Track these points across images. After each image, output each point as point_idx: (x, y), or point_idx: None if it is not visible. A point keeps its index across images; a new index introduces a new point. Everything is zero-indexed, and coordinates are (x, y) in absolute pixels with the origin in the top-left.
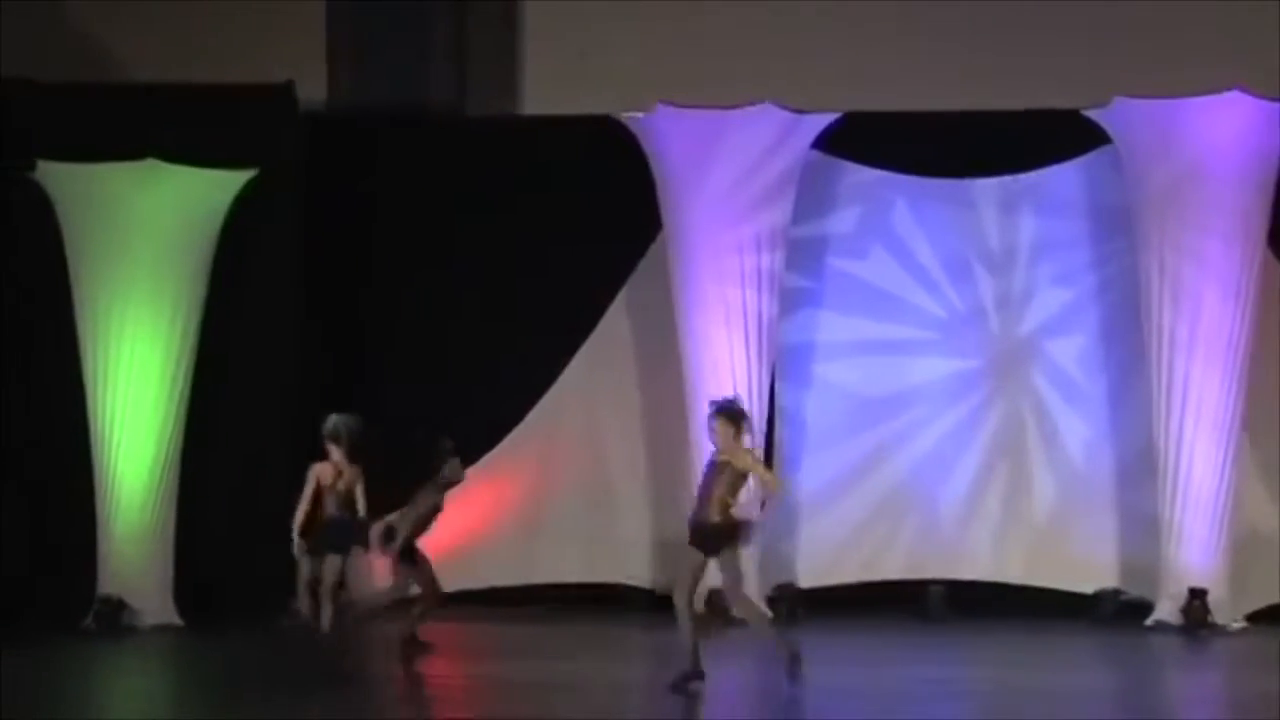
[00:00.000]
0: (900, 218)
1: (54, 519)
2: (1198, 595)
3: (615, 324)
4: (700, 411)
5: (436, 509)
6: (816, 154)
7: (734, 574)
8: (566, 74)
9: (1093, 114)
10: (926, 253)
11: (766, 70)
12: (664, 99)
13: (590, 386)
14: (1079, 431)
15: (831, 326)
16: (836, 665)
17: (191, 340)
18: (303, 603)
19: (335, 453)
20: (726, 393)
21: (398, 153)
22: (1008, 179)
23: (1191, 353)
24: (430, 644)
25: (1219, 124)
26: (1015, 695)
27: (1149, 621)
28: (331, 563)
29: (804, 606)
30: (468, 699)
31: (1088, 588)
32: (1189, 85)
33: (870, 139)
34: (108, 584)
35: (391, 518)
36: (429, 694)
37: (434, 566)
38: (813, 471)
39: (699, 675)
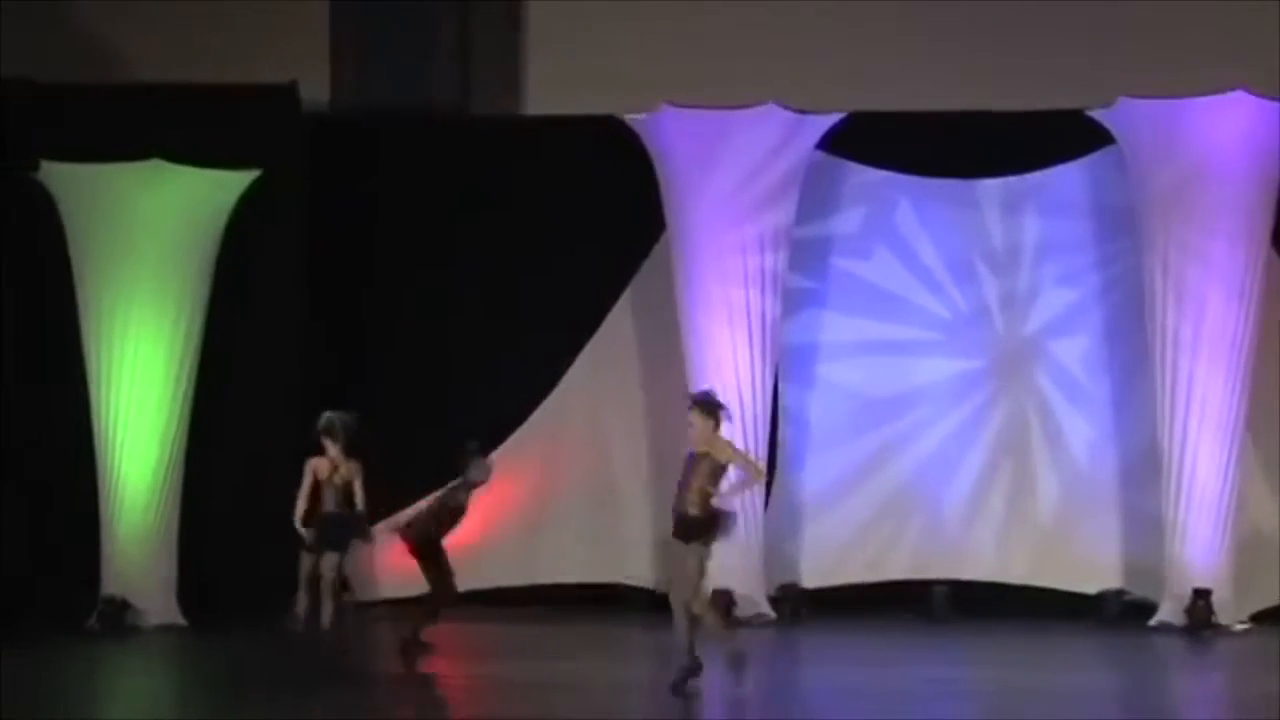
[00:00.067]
0: (904, 218)
1: (57, 519)
2: (1201, 596)
3: (619, 324)
4: None
5: (461, 509)
6: (820, 154)
7: (694, 575)
8: (570, 74)
9: (1097, 114)
10: (930, 253)
11: (770, 70)
12: (668, 99)
13: (594, 387)
14: (1083, 432)
15: (835, 327)
16: (840, 665)
17: (195, 340)
18: (301, 599)
19: (331, 448)
20: (713, 389)
21: (401, 153)
22: (1012, 179)
23: (1195, 353)
24: (431, 644)
25: (1223, 124)
26: (1019, 695)
27: (1153, 622)
28: (330, 559)
29: (808, 606)
30: (469, 699)
31: (1091, 588)
32: (1193, 85)
33: (874, 139)
34: (111, 584)
35: (409, 511)
36: (429, 694)
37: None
38: (816, 472)
39: (697, 669)
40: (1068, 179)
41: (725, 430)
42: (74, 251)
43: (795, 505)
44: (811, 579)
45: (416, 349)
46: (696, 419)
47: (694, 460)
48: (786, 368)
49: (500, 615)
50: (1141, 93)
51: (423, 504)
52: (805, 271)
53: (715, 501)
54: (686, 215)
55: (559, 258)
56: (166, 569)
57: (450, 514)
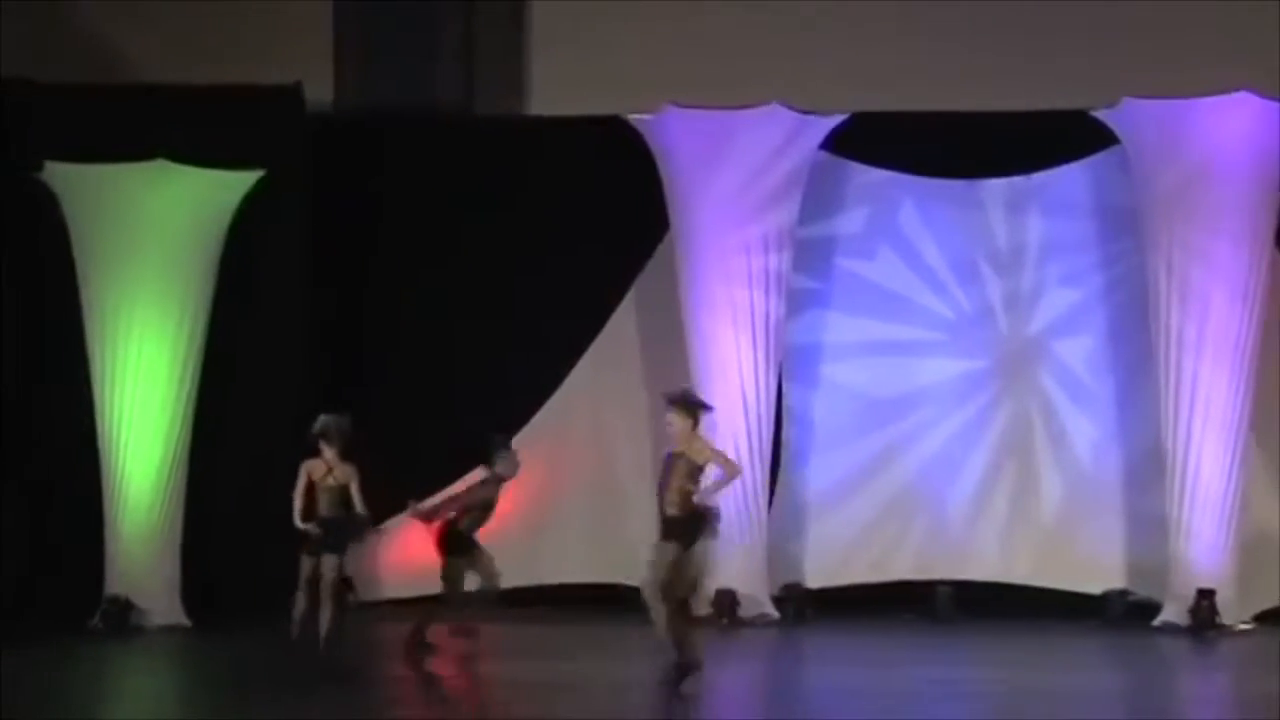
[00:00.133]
0: (908, 218)
1: (61, 519)
2: (1205, 596)
3: (623, 324)
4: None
5: (491, 503)
6: (824, 154)
7: (663, 571)
8: (574, 74)
9: (1101, 115)
10: (934, 253)
11: (774, 70)
12: (671, 99)
13: (597, 387)
14: (1087, 432)
15: (839, 327)
16: (844, 665)
17: (199, 340)
18: (300, 601)
19: (327, 451)
20: (691, 388)
21: (405, 153)
22: (1016, 179)
23: (1199, 353)
24: (435, 645)
25: (1227, 125)
26: (1023, 695)
27: (1156, 622)
28: (329, 561)
29: (812, 606)
30: (471, 699)
31: (1095, 588)
32: (1197, 86)
33: (878, 139)
34: (115, 584)
35: (435, 498)
36: (431, 694)
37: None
38: (820, 472)
39: (695, 667)
40: (1071, 179)
41: (727, 428)
42: (78, 251)
43: (799, 505)
44: (815, 579)
45: (420, 349)
46: (675, 418)
47: (671, 460)
48: (790, 368)
49: (503, 615)
50: (1145, 93)
51: (449, 493)
52: (809, 272)
53: (696, 500)
54: (690, 215)
55: (563, 258)
56: (170, 569)
57: (479, 508)
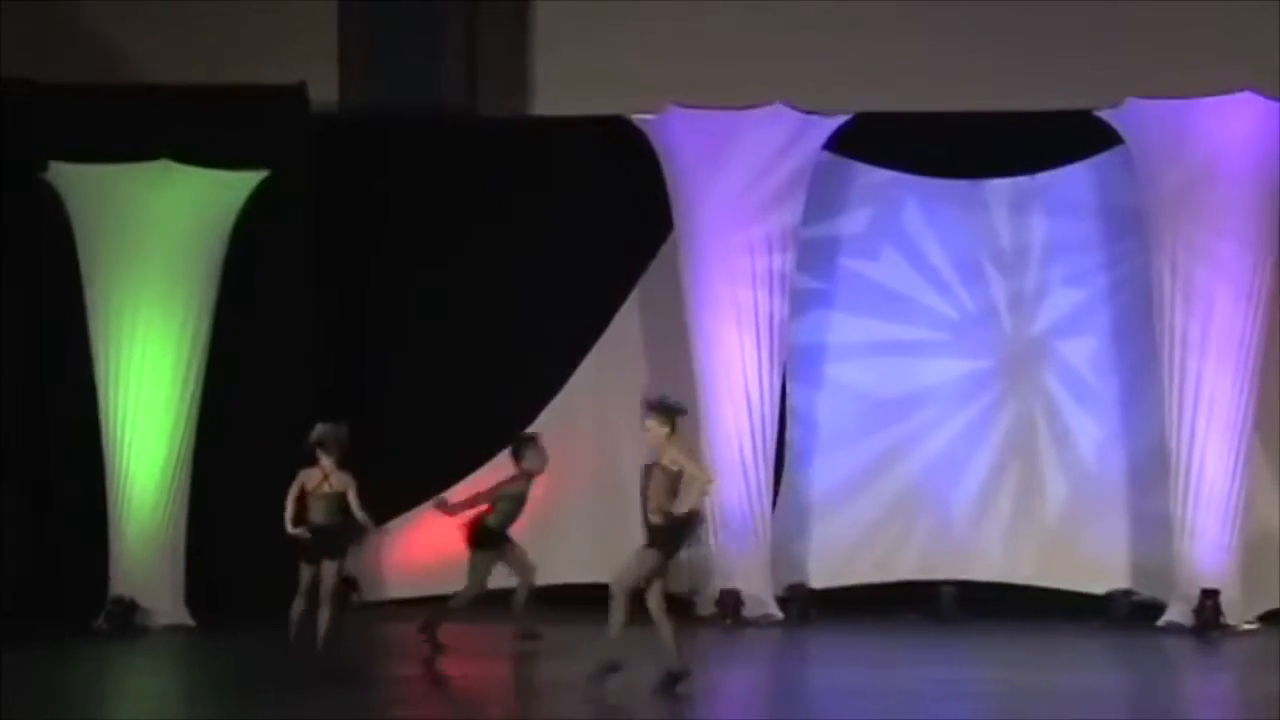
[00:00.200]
0: (911, 218)
1: (65, 519)
2: (1210, 596)
3: (626, 325)
4: (713, 412)
5: (522, 499)
6: (827, 155)
7: (637, 574)
8: (578, 74)
9: (1105, 115)
10: (938, 253)
11: (778, 70)
12: (675, 99)
13: (601, 387)
14: (1091, 432)
15: (843, 327)
16: (848, 665)
17: (203, 341)
18: (298, 606)
19: (324, 460)
20: (669, 393)
21: (409, 153)
22: (1019, 180)
23: (1204, 353)
24: (444, 644)
25: (1231, 125)
26: (1026, 696)
27: (1161, 622)
28: (328, 568)
29: (816, 607)
30: (473, 699)
31: (1099, 588)
32: (1201, 86)
33: (881, 140)
34: (119, 584)
35: (462, 493)
36: (433, 694)
37: (445, 568)
38: (824, 472)
39: (684, 677)
40: (1075, 179)
41: (731, 428)
42: (82, 252)
43: (803, 505)
44: (819, 579)
45: (424, 349)
46: (652, 423)
47: (647, 471)
48: (794, 368)
49: (507, 615)
50: (1150, 93)
51: (477, 488)
52: (813, 272)
53: (676, 508)
54: (694, 215)
55: (566, 258)
56: (174, 569)
57: (510, 502)
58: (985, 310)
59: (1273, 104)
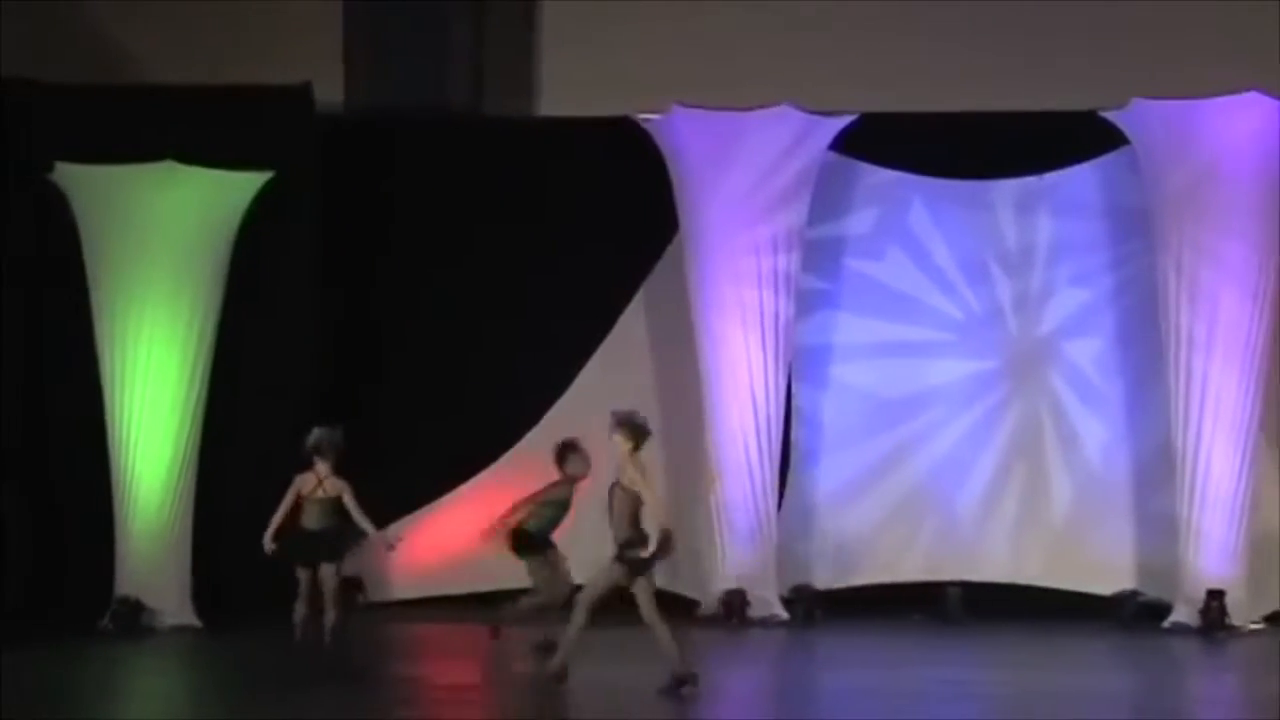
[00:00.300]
0: (917, 219)
1: (71, 520)
2: (1215, 597)
3: (632, 325)
4: (718, 412)
5: (565, 503)
6: (833, 155)
7: (602, 587)
8: (584, 75)
9: (1110, 115)
10: (943, 254)
11: (783, 71)
12: (681, 100)
13: (607, 387)
14: (1096, 433)
15: (848, 328)
16: (854, 666)
17: (209, 341)
18: (300, 609)
19: (320, 465)
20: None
21: (415, 154)
22: (1025, 180)
23: (1209, 353)
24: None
25: (1236, 125)
26: (1032, 697)
27: (1166, 623)
28: (327, 570)
29: (821, 607)
30: (473, 699)
31: (1105, 589)
32: (1206, 86)
33: (887, 140)
34: (125, 585)
35: (513, 512)
36: (434, 694)
37: (449, 569)
38: (830, 473)
39: (692, 681)
40: (1081, 180)
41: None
42: (88, 252)
43: (808, 506)
44: (825, 580)
45: (429, 349)
46: (618, 439)
47: (611, 490)
48: (800, 368)
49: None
50: (1155, 93)
51: (522, 501)
52: (818, 272)
53: (644, 526)
54: (699, 216)
55: (572, 258)
56: (180, 569)
57: (554, 509)
58: (991, 311)
59: (1278, 104)
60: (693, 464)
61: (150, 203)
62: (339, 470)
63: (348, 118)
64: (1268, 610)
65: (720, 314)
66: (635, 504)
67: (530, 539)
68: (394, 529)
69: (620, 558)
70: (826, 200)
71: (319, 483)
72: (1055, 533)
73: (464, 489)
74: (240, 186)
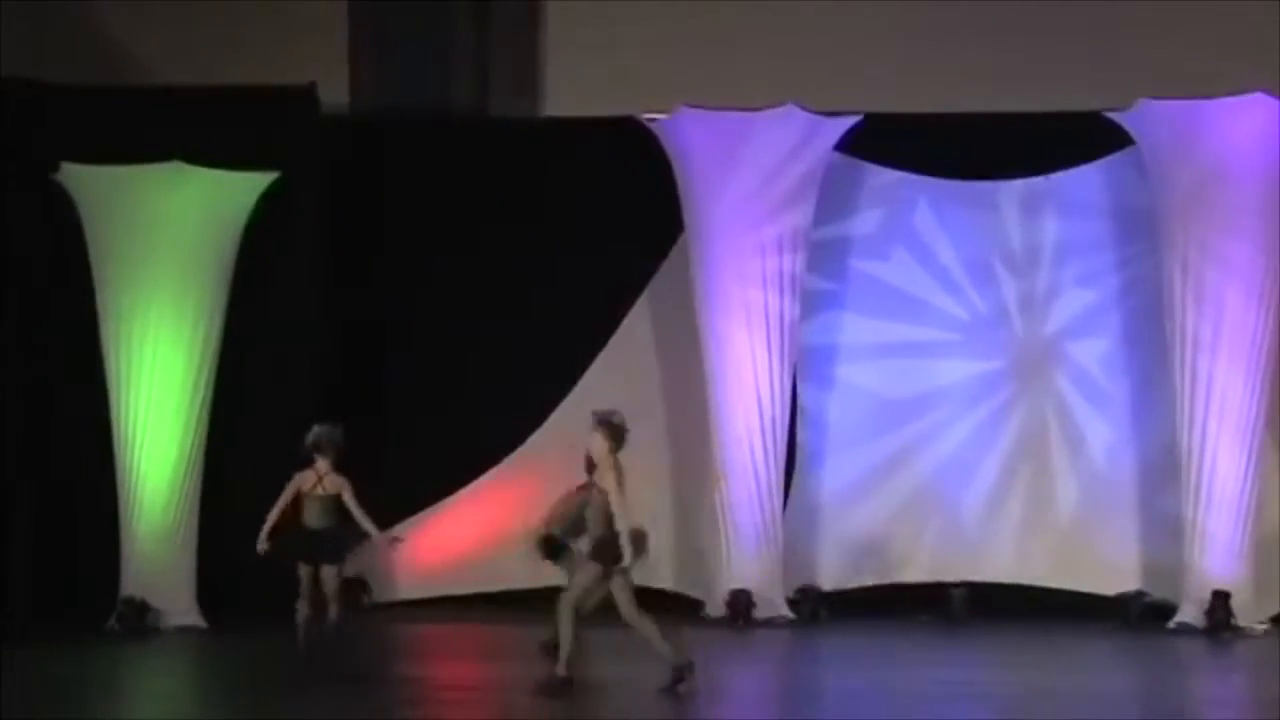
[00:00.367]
0: (922, 219)
1: (77, 520)
2: (1221, 597)
3: (637, 326)
4: (723, 413)
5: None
6: (838, 156)
7: (579, 587)
8: (588, 75)
9: (1116, 116)
10: (949, 254)
11: (789, 72)
12: (686, 100)
13: (612, 388)
14: (1102, 433)
15: (853, 328)
16: (859, 667)
17: (214, 342)
18: (302, 609)
19: (320, 462)
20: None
21: (419, 154)
22: (1031, 181)
23: (1215, 354)
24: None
25: (1242, 125)
26: (1037, 697)
27: (1172, 624)
28: (328, 571)
29: (827, 608)
30: (473, 700)
31: (1110, 590)
32: (1212, 87)
33: (892, 141)
34: (130, 585)
35: (545, 518)
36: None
37: (454, 569)
38: (835, 473)
39: (689, 670)
40: (1086, 180)
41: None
42: (94, 253)
43: (814, 507)
44: (830, 580)
45: (434, 350)
46: (597, 438)
47: (586, 491)
48: (805, 369)
49: (512, 617)
50: (1160, 94)
51: (553, 506)
52: (824, 273)
53: (618, 525)
54: (705, 217)
55: (577, 259)
56: (186, 570)
57: (578, 513)
58: (996, 311)
59: None
60: (698, 465)
61: (156, 203)
62: (339, 468)
63: (353, 118)
64: (1273, 611)
65: (725, 314)
66: (607, 503)
67: (557, 545)
68: (398, 529)
69: (595, 556)
70: (832, 201)
71: (319, 480)
72: (1061, 533)
73: (469, 489)
74: (246, 187)
